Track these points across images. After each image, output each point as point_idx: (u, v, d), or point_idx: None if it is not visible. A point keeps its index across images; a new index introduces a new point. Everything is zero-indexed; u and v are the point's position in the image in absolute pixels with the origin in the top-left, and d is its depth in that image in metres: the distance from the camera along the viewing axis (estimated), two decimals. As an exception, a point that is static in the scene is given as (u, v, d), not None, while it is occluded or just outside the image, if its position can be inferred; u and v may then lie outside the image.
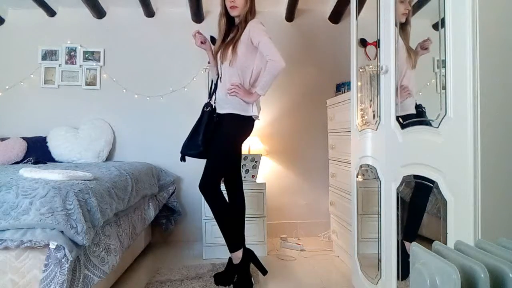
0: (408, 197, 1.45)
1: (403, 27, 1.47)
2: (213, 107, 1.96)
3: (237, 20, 1.97)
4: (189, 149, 1.93)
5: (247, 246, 1.96)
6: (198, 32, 1.97)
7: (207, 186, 1.87)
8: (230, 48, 1.89)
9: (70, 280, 1.31)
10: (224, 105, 1.92)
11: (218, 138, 1.90)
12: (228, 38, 1.97)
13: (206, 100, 2.01)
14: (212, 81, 2.09)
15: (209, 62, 2.08)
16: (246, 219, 2.08)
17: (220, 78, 1.96)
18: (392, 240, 1.48)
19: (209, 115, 1.94)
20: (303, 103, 3.05)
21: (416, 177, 1.32)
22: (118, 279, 2.00)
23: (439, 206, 1.17)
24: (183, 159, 1.97)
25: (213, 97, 2.00)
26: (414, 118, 1.37)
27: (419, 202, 1.41)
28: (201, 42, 1.98)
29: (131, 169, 2.19)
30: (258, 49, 1.85)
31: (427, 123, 1.23)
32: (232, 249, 1.92)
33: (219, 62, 1.97)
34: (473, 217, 0.99)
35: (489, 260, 0.70)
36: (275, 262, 2.38)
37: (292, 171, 3.04)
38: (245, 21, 1.89)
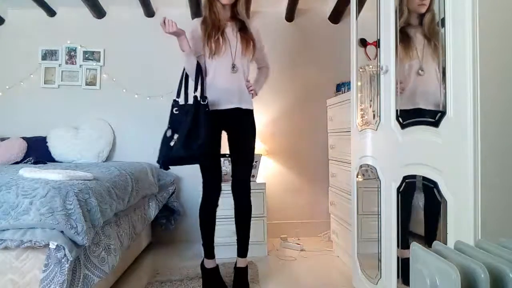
0: (417, 200, 1.44)
1: (423, 17, 1.39)
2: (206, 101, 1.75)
3: (230, 12, 1.89)
4: (187, 149, 1.64)
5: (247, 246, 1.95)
6: (166, 19, 1.75)
7: (249, 184, 1.91)
8: (251, 43, 1.88)
9: (70, 280, 1.31)
10: (248, 100, 1.91)
11: (246, 134, 1.90)
12: (238, 29, 1.87)
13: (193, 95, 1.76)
14: (199, 71, 1.81)
15: (183, 51, 1.80)
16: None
17: (234, 68, 1.83)
18: (392, 240, 1.48)
19: (206, 109, 1.73)
20: (303, 103, 3.04)
21: (425, 183, 1.29)
22: (118, 279, 2.00)
23: (439, 206, 1.17)
24: (167, 166, 1.70)
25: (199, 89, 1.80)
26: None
27: (434, 210, 1.36)
28: (177, 29, 1.75)
29: (131, 169, 2.19)
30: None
31: (427, 123, 1.23)
32: (247, 253, 1.94)
33: (231, 54, 1.82)
34: (473, 217, 0.99)
35: (489, 260, 0.70)
36: (275, 262, 2.38)
37: (292, 171, 3.04)
38: (246, 16, 1.93)
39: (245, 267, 1.93)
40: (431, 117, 1.20)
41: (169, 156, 1.67)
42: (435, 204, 1.19)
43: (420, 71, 1.44)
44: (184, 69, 1.84)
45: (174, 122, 1.73)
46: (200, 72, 1.80)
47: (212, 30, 1.81)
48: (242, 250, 1.93)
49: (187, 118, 1.69)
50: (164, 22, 1.73)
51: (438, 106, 1.21)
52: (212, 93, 1.81)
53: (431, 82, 1.37)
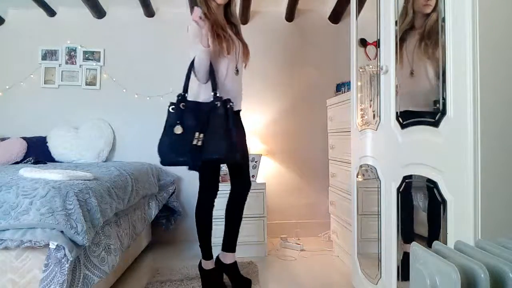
0: (417, 200, 1.44)
1: (428, 17, 1.37)
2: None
3: (223, 13, 1.88)
4: (231, 151, 1.65)
5: (247, 246, 1.95)
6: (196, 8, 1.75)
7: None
8: (248, 50, 1.91)
9: (70, 280, 1.31)
10: (240, 103, 1.91)
11: (243, 137, 1.91)
12: (235, 33, 1.89)
13: (212, 94, 1.71)
14: (212, 70, 1.74)
15: (205, 46, 1.69)
16: (246, 219, 2.07)
17: (238, 72, 1.85)
18: (392, 240, 1.48)
19: (233, 110, 1.73)
20: (303, 103, 3.04)
21: (425, 183, 1.29)
22: (118, 279, 2.00)
23: (439, 206, 1.17)
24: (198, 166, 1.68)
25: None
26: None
27: (434, 210, 1.36)
28: (200, 18, 1.69)
29: (131, 169, 2.19)
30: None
31: (427, 123, 1.23)
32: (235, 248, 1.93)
33: (237, 56, 1.84)
34: (473, 217, 0.99)
35: (489, 260, 0.70)
36: (275, 262, 2.38)
37: (292, 171, 3.04)
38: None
39: (235, 262, 1.92)
40: (431, 117, 1.20)
41: (206, 158, 1.62)
42: (435, 204, 1.19)
43: (411, 73, 1.44)
44: (192, 64, 1.72)
45: (184, 119, 1.66)
46: (213, 71, 1.75)
47: (219, 29, 1.76)
48: (234, 243, 1.93)
49: (218, 120, 1.65)
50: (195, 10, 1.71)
51: (428, 107, 1.21)
52: (223, 93, 1.76)
53: (422, 84, 1.39)
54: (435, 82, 1.31)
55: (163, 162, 1.68)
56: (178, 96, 1.71)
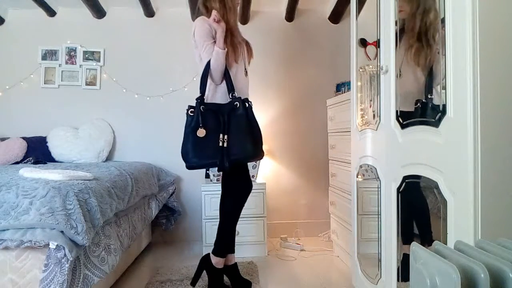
0: (417, 200, 1.45)
1: (415, 20, 1.43)
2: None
3: None
4: (256, 149, 1.73)
5: (247, 246, 1.95)
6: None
7: None
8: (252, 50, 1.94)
9: (70, 280, 1.31)
10: None
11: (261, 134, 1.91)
12: (241, 35, 1.92)
13: (229, 95, 1.73)
14: (228, 70, 1.75)
15: (223, 48, 1.72)
16: (246, 219, 2.07)
17: (247, 73, 1.89)
18: (392, 240, 1.48)
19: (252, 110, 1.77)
20: (303, 103, 3.05)
21: (425, 183, 1.30)
22: (118, 279, 2.00)
23: (439, 206, 1.17)
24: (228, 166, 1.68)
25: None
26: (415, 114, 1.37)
27: (434, 210, 1.38)
28: (214, 20, 1.69)
29: (131, 169, 2.19)
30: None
31: (427, 123, 1.23)
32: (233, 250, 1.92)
33: (244, 57, 1.87)
34: (473, 217, 0.99)
35: (489, 260, 0.70)
36: (275, 262, 2.38)
37: (292, 171, 3.04)
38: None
39: (236, 263, 1.91)
40: (431, 117, 1.20)
41: (234, 159, 1.65)
42: (435, 204, 1.19)
43: (399, 74, 1.46)
44: (208, 66, 1.71)
45: (206, 121, 1.66)
46: (228, 71, 1.75)
47: (226, 33, 1.75)
48: (233, 244, 1.91)
49: (240, 120, 1.68)
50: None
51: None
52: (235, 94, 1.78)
53: (409, 84, 1.44)
54: (422, 83, 1.37)
55: (190, 167, 1.67)
56: (197, 99, 1.69)
